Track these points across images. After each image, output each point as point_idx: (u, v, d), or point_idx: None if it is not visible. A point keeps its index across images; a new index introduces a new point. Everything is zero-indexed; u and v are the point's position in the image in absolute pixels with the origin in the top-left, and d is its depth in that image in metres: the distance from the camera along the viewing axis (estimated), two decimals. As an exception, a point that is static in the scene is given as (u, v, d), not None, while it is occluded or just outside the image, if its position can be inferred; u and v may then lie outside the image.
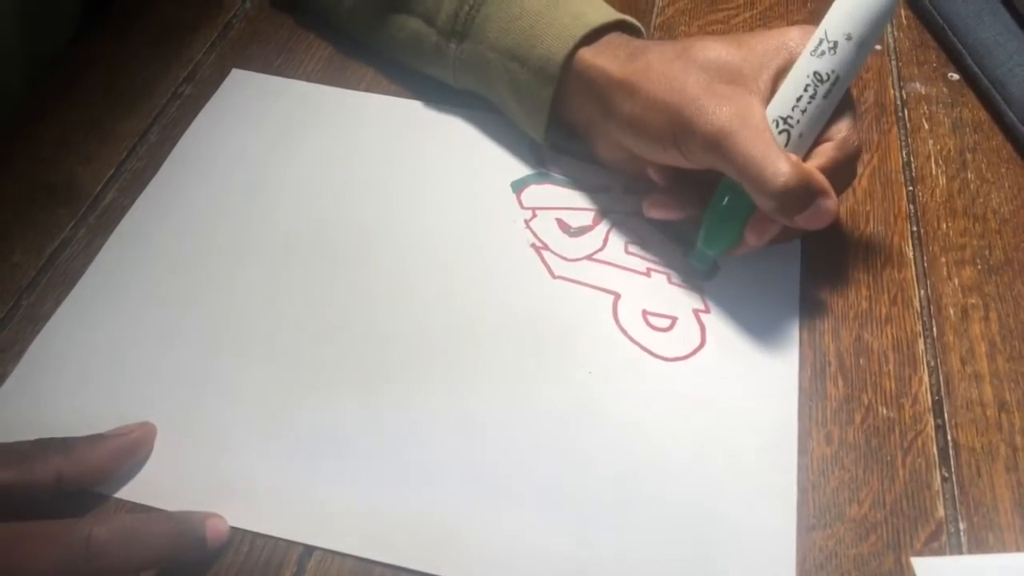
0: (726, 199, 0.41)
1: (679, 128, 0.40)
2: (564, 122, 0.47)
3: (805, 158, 0.40)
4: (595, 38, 0.44)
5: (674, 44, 0.42)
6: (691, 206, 0.43)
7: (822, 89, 0.39)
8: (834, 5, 0.39)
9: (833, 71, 0.39)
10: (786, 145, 0.39)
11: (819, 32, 0.39)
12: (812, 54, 0.39)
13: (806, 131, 0.39)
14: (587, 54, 0.43)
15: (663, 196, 0.44)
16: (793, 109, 0.39)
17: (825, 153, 0.40)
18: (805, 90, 0.39)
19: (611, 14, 0.45)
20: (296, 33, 0.56)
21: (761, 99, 0.40)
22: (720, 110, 0.38)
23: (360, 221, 0.46)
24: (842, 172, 0.40)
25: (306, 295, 0.43)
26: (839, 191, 0.40)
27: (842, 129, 0.40)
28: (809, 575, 0.35)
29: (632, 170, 0.45)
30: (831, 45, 0.38)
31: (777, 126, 0.39)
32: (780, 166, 0.37)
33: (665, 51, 0.42)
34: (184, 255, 0.44)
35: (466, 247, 0.45)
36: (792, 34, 0.41)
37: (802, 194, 0.38)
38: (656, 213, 0.44)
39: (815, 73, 0.39)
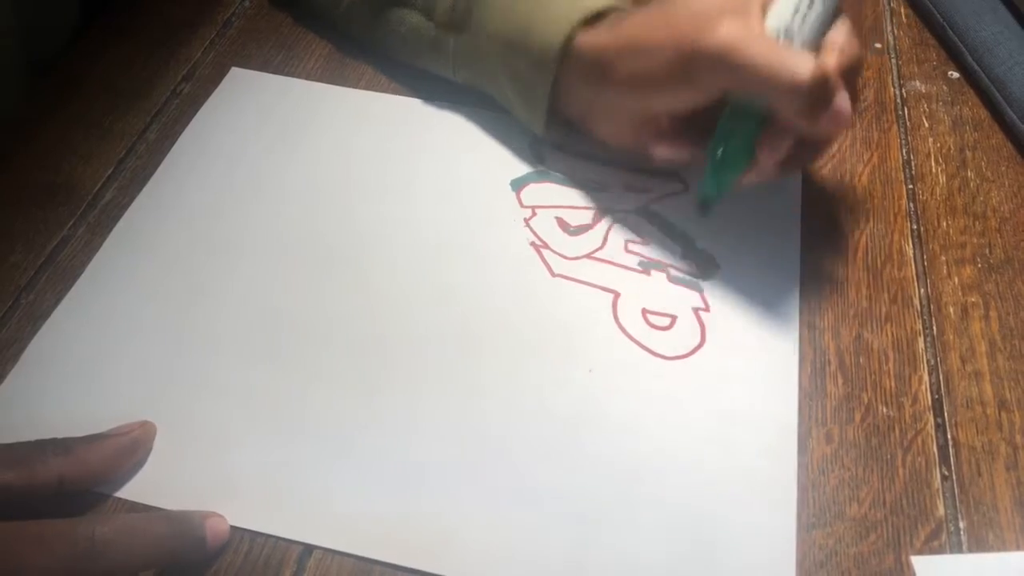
0: (732, 122, 0.41)
1: (685, 59, 0.39)
2: (565, 113, 0.46)
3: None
4: (593, 22, 0.43)
5: (657, 1, 0.42)
6: (697, 148, 0.43)
7: None
8: None
9: None
10: None
11: None
12: None
13: (808, 39, 0.39)
14: (585, 38, 0.43)
15: (672, 140, 0.43)
16: (793, 18, 0.39)
17: (828, 61, 0.39)
18: None
19: None
20: (295, 31, 0.56)
21: (756, 18, 0.39)
22: (721, 27, 0.38)
23: (359, 219, 0.46)
24: (847, 80, 0.40)
25: (305, 293, 0.43)
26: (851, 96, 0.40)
27: (840, 36, 0.40)
28: (809, 574, 0.35)
29: (636, 144, 0.45)
30: None
31: (778, 38, 0.39)
32: (799, 62, 0.37)
33: (648, 7, 0.42)
34: (183, 253, 0.44)
35: (466, 245, 0.45)
36: None
37: (824, 90, 0.37)
38: (663, 152, 0.43)
39: None
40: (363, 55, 0.54)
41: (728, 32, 0.38)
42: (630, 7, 0.44)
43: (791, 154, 0.41)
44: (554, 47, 0.43)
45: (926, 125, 0.52)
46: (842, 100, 0.38)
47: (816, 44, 0.39)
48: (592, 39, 0.43)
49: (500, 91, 0.48)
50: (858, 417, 0.39)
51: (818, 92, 0.37)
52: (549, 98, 0.45)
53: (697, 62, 0.39)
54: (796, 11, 0.39)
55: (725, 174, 0.42)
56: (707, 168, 0.42)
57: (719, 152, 0.41)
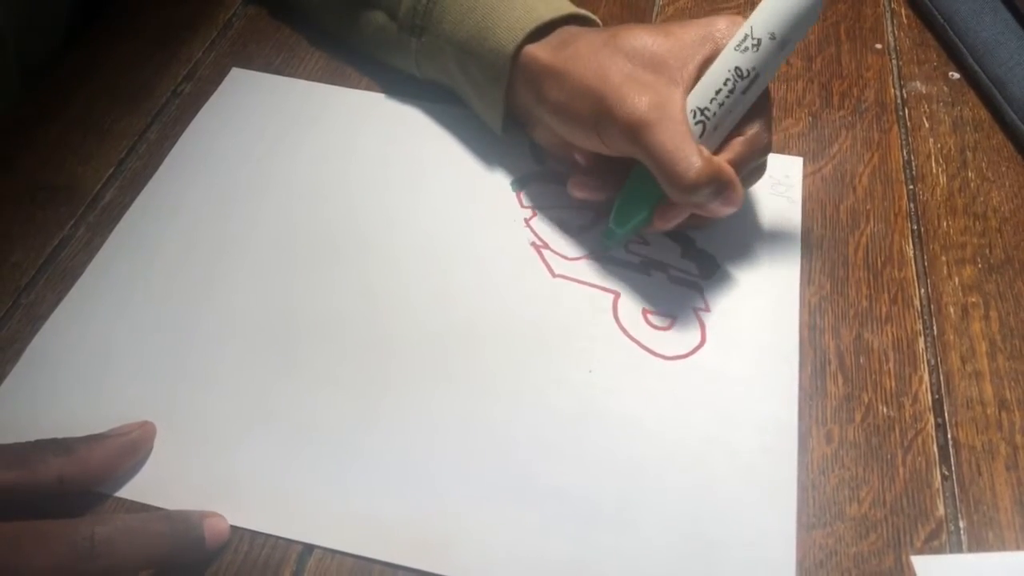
0: (638, 183, 0.42)
1: (601, 115, 0.40)
2: (513, 112, 0.47)
3: (718, 150, 0.40)
4: (546, 32, 0.44)
5: (604, 32, 0.43)
6: (612, 188, 0.44)
7: (741, 85, 0.39)
8: (762, 3, 0.39)
9: (754, 68, 0.39)
10: (701, 136, 0.40)
11: (744, 28, 0.39)
12: (736, 49, 0.39)
13: (721, 124, 0.40)
14: (531, 49, 0.43)
15: (587, 178, 0.44)
16: (711, 102, 0.39)
17: (735, 148, 0.40)
18: (724, 84, 0.39)
19: (562, 8, 0.45)
20: (296, 32, 0.56)
21: (683, 89, 0.40)
22: (640, 99, 0.39)
23: (360, 220, 0.46)
24: (750, 167, 0.41)
25: (306, 294, 0.43)
26: (747, 184, 0.43)
27: (755, 126, 0.41)
28: (809, 573, 0.35)
29: (566, 155, 0.45)
30: (755, 42, 0.39)
31: (694, 116, 0.40)
32: (692, 161, 0.38)
33: (594, 39, 0.42)
34: (184, 254, 0.44)
35: (466, 246, 0.45)
36: (719, 24, 0.41)
37: (710, 188, 0.38)
38: (579, 193, 0.44)
39: (736, 68, 0.39)
40: (364, 56, 0.54)
41: (642, 108, 0.39)
42: (595, 23, 0.46)
43: (689, 219, 0.42)
44: (506, 53, 0.43)
45: (927, 126, 0.52)
46: (731, 195, 0.39)
47: (730, 128, 0.41)
48: (536, 51, 0.43)
49: (461, 91, 0.48)
50: (858, 417, 0.39)
51: (703, 190, 0.38)
52: (504, 102, 0.45)
53: (609, 124, 0.40)
54: (715, 95, 0.39)
55: (621, 226, 0.43)
56: (611, 215, 0.43)
57: (618, 205, 0.43)
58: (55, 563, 0.31)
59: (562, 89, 0.42)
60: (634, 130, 0.39)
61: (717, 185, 0.38)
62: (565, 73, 0.42)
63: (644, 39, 0.41)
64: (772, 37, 0.39)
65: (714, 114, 0.39)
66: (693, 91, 0.40)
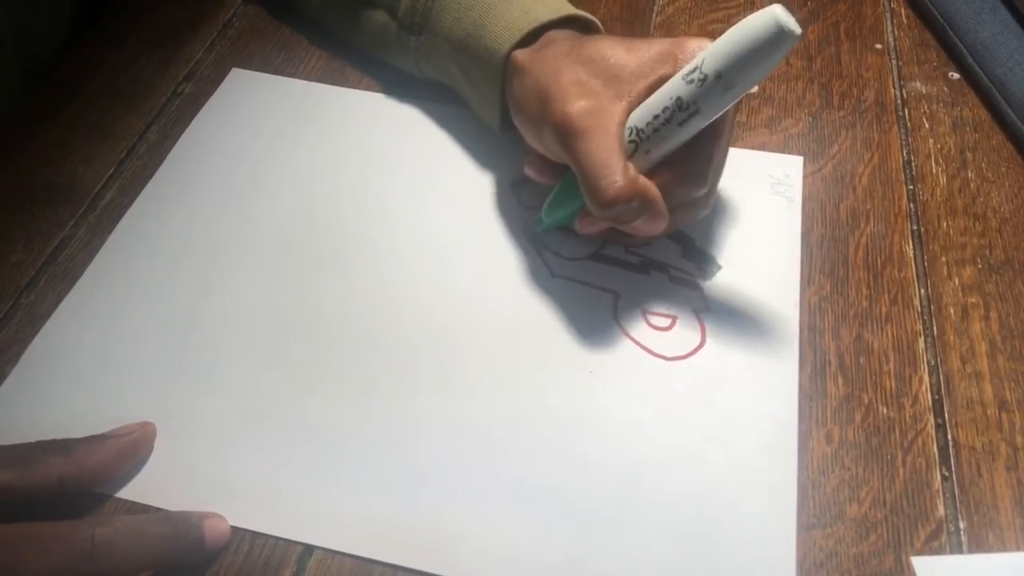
0: (571, 182, 0.41)
1: (543, 114, 0.40)
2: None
3: (649, 173, 0.39)
4: (542, 33, 0.44)
5: (578, 39, 0.43)
6: (559, 177, 0.43)
7: (679, 116, 0.37)
8: (721, 37, 0.36)
9: (695, 103, 0.37)
10: (633, 155, 0.39)
11: (697, 59, 0.37)
12: (683, 78, 0.37)
13: (653, 149, 0.39)
14: (518, 52, 0.43)
15: (543, 161, 0.43)
16: (647, 125, 0.38)
17: (662, 177, 0.39)
18: (663, 111, 0.37)
19: (561, 9, 0.45)
20: (296, 32, 0.56)
21: (627, 104, 0.39)
22: (578, 104, 0.38)
23: (360, 220, 0.46)
24: (679, 200, 0.40)
25: (306, 294, 0.43)
26: (684, 219, 0.42)
27: (692, 162, 0.39)
28: (809, 574, 0.35)
29: (527, 161, 0.45)
30: (702, 77, 0.36)
31: (630, 134, 0.39)
32: (614, 178, 0.37)
33: (565, 45, 0.42)
34: (184, 254, 0.44)
35: (466, 245, 0.45)
36: (688, 46, 0.39)
37: (627, 209, 0.38)
38: (531, 172, 0.44)
39: (678, 98, 0.37)
40: (364, 56, 0.54)
41: (578, 113, 0.38)
42: (593, 24, 0.45)
43: (613, 232, 0.41)
44: (501, 53, 0.43)
45: (926, 126, 0.52)
46: (651, 219, 0.38)
47: (664, 155, 0.39)
48: (518, 52, 0.43)
49: (460, 89, 0.48)
50: (858, 417, 0.39)
51: (619, 210, 0.38)
52: (501, 100, 0.45)
53: (545, 124, 0.40)
54: (652, 120, 0.38)
55: (549, 214, 0.43)
56: (545, 201, 0.43)
57: (551, 198, 0.43)
58: (55, 565, 0.31)
59: (522, 86, 0.42)
60: (565, 134, 0.38)
61: (638, 204, 0.38)
62: (527, 72, 0.42)
63: (605, 51, 0.40)
64: (718, 76, 0.36)
65: (648, 137, 0.38)
66: (638, 108, 0.39)
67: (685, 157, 0.39)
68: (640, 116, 0.39)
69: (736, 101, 0.37)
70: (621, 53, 0.40)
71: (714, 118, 0.38)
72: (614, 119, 0.39)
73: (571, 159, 0.39)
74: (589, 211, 0.39)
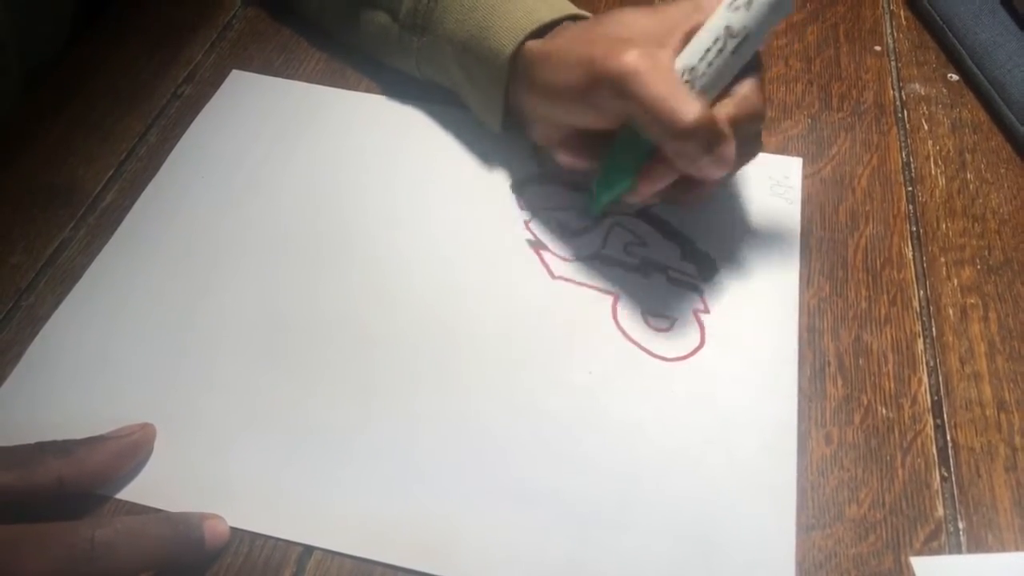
0: (624, 147, 0.41)
1: (590, 78, 0.40)
2: (511, 112, 0.47)
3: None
4: (545, 32, 0.44)
5: (592, 19, 0.43)
6: (595, 161, 0.43)
7: (731, 44, 0.38)
8: None
9: (745, 27, 0.38)
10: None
11: None
12: (728, 8, 0.38)
13: (709, 84, 0.39)
14: (527, 46, 0.44)
15: (577, 141, 0.44)
16: (700, 60, 0.39)
17: (726, 108, 0.39)
18: (715, 43, 0.38)
19: (563, 9, 0.45)
20: (296, 34, 0.56)
21: (671, 51, 0.39)
22: (628, 53, 0.38)
23: (359, 222, 0.46)
24: (742, 132, 0.40)
25: (306, 295, 0.43)
26: (740, 160, 0.41)
27: (746, 88, 0.40)
28: (809, 575, 0.35)
29: (554, 148, 0.45)
30: (747, 1, 0.38)
31: (682, 75, 0.39)
32: (689, 105, 0.37)
33: (581, 26, 0.43)
34: (184, 256, 0.44)
35: (466, 247, 0.45)
36: None
37: (707, 135, 0.37)
38: (567, 157, 0.44)
39: (727, 27, 0.38)
40: (363, 57, 0.54)
41: (632, 60, 0.38)
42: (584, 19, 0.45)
43: (675, 188, 0.41)
44: (505, 54, 0.44)
45: (925, 127, 0.52)
46: (725, 149, 0.38)
47: (718, 90, 0.40)
48: (531, 47, 0.43)
49: (460, 90, 0.49)
50: (857, 418, 0.39)
51: (700, 137, 0.37)
52: (504, 101, 0.45)
53: (599, 83, 0.39)
54: (704, 54, 0.39)
55: (604, 192, 0.43)
56: (594, 181, 0.43)
57: (603, 170, 0.43)
58: (55, 566, 0.31)
59: (552, 70, 0.42)
60: (625, 80, 0.38)
61: (713, 133, 0.38)
62: (554, 53, 0.42)
63: (630, 17, 0.41)
64: None
65: (703, 74, 0.39)
66: (682, 52, 0.39)
67: (738, 91, 0.40)
68: (690, 55, 0.39)
69: (782, 19, 0.39)
70: (647, 17, 0.41)
71: (762, 40, 0.39)
72: (665, 60, 0.39)
73: (637, 101, 0.38)
74: (651, 166, 0.40)
